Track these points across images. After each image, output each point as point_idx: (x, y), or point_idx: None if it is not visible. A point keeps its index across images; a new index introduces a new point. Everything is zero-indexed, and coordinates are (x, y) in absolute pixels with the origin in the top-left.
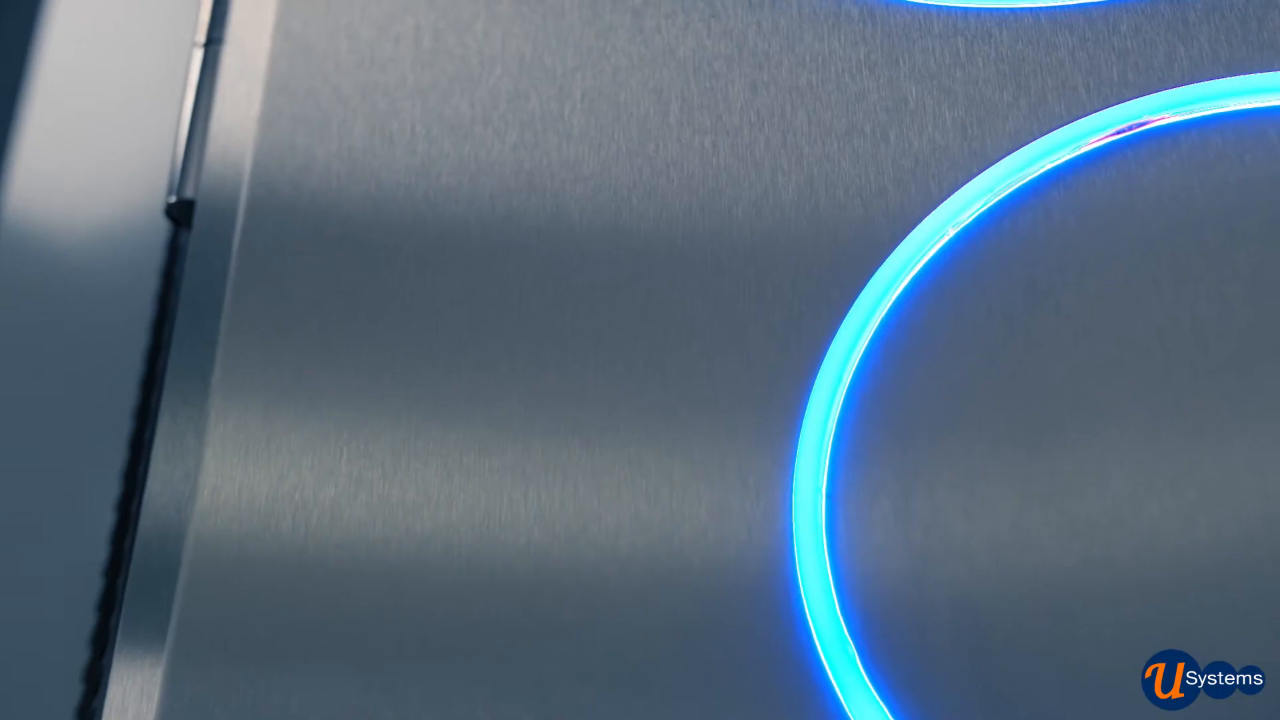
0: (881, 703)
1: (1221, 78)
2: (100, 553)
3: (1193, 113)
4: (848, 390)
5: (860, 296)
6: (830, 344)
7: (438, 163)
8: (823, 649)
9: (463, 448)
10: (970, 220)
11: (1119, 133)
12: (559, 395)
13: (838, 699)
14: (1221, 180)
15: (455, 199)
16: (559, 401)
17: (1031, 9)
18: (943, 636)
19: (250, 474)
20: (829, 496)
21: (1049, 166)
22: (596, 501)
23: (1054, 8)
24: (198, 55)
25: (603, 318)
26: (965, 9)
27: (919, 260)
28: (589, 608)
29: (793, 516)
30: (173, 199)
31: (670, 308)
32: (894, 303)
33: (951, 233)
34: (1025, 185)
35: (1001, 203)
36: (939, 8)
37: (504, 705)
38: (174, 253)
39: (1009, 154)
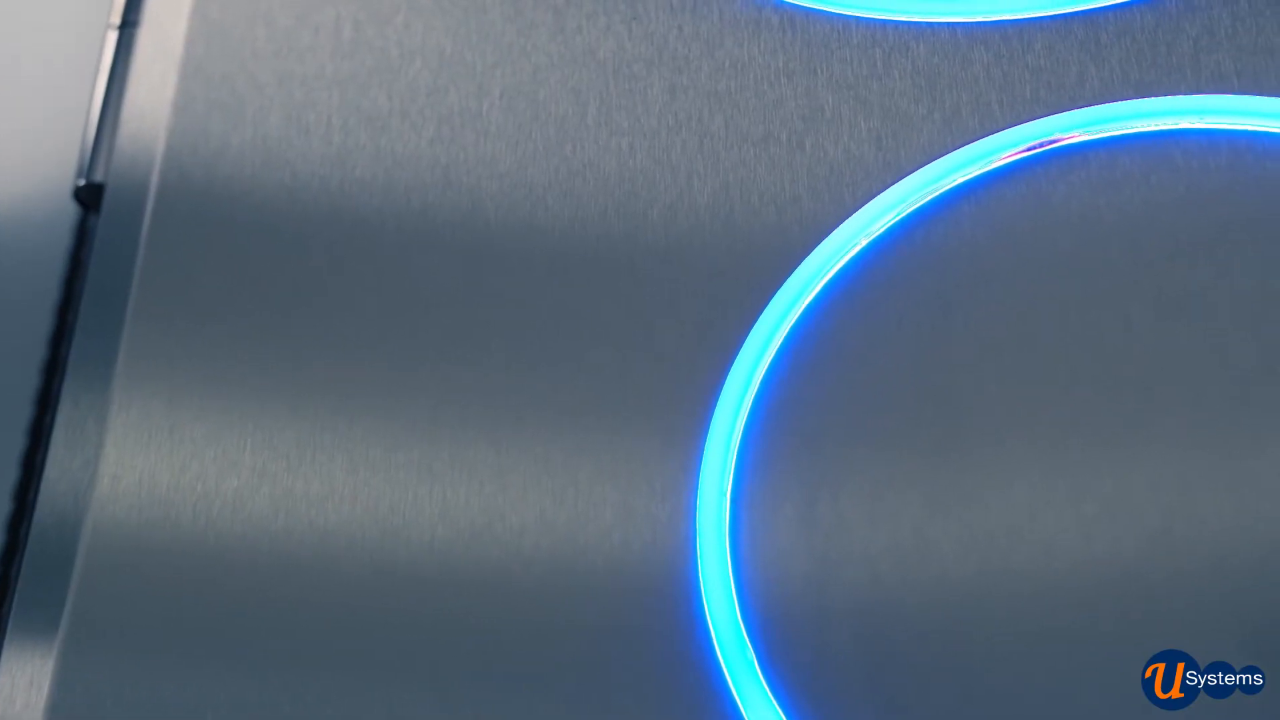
0: (779, 708)
1: (1131, 99)
2: None
3: (1102, 132)
4: (756, 396)
5: (771, 303)
6: (740, 349)
7: (354, 155)
8: (722, 653)
9: (369, 442)
10: (882, 231)
11: (1030, 149)
12: (468, 392)
13: (736, 704)
14: (1128, 200)
15: (370, 192)
16: (467, 399)
17: (948, 24)
18: (842, 643)
19: (152, 463)
20: (734, 501)
21: (961, 180)
22: (502, 500)
23: (970, 23)
24: (112, 37)
25: (515, 316)
26: (884, 21)
27: (830, 269)
28: (491, 606)
29: (697, 520)
30: (82, 182)
31: (582, 308)
32: (804, 310)
33: (863, 242)
34: (937, 198)
35: (913, 214)
36: (858, 18)
37: (402, 702)
38: (82, 237)
39: (922, 166)
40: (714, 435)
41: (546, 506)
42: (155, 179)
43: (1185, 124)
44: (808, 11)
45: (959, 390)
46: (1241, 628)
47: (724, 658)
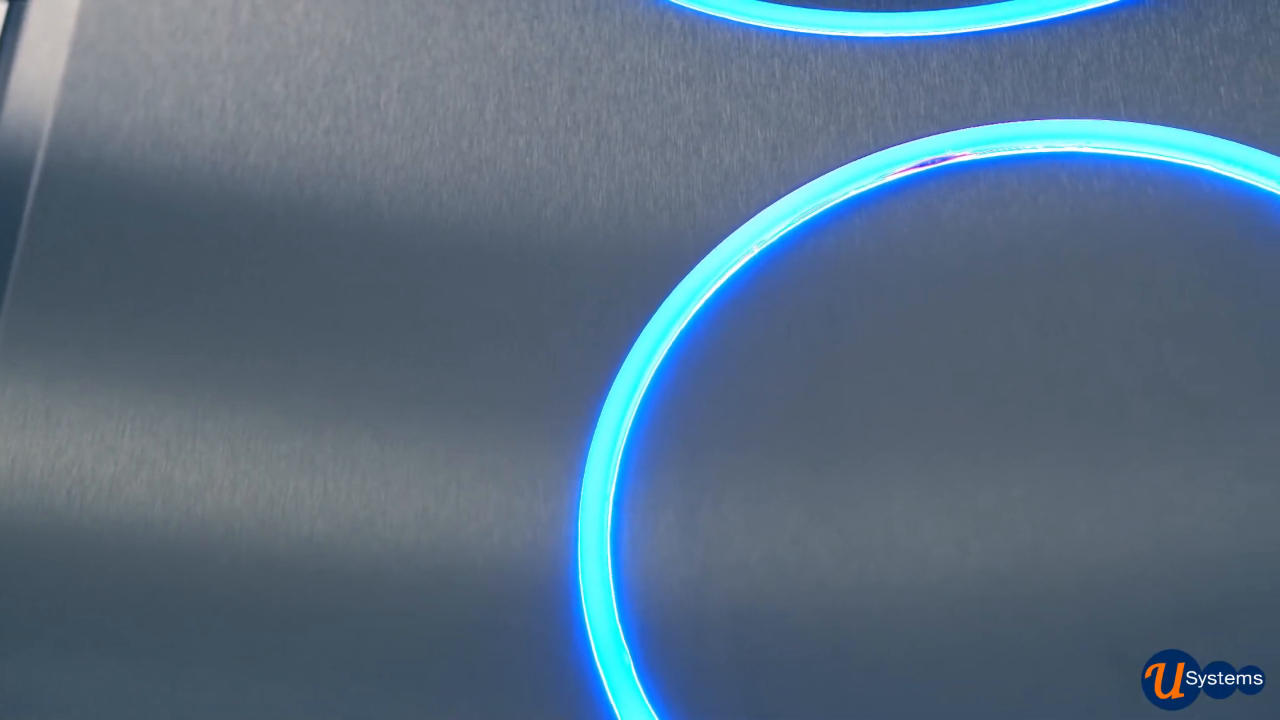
0: (653, 712)
1: (1021, 120)
2: None
3: (992, 152)
4: (642, 400)
5: (662, 307)
6: (629, 352)
7: (247, 140)
8: (599, 655)
9: (251, 432)
10: (774, 240)
11: (922, 165)
12: (353, 385)
13: (610, 706)
14: (1015, 219)
15: (262, 179)
16: (353, 392)
17: (847, 38)
18: (718, 650)
19: (27, 446)
20: (616, 504)
21: (853, 193)
22: (384, 495)
23: (868, 38)
24: (1, 9)
25: (404, 310)
26: (784, 32)
27: (722, 275)
28: (369, 600)
29: (579, 522)
30: None
31: (473, 305)
32: (694, 315)
33: (755, 250)
34: (830, 209)
35: (806, 225)
36: (759, 28)
37: (274, 692)
38: None
39: (816, 177)
40: (599, 438)
41: (428, 503)
42: (40, 157)
43: (1072, 147)
44: (709, 19)
45: (843, 401)
46: (1107, 642)
47: (600, 661)
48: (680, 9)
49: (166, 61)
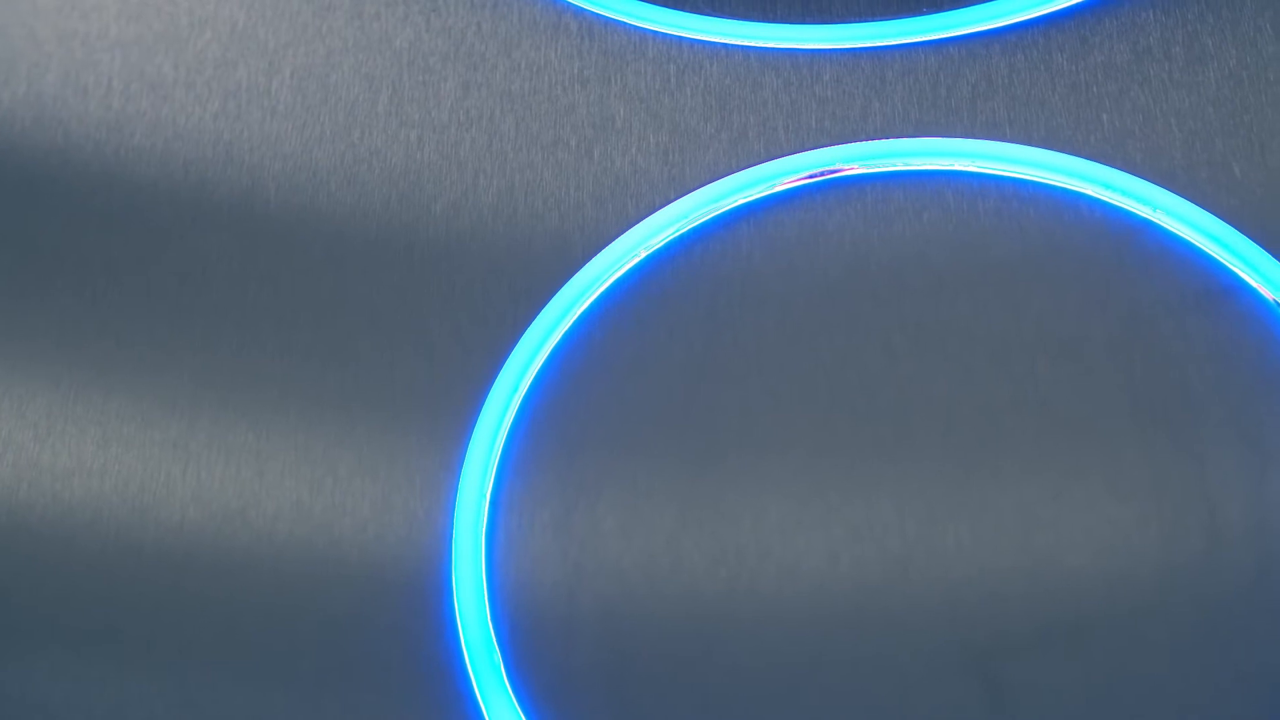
0: (521, 712)
1: (910, 137)
2: None
3: (880, 166)
4: (523, 399)
5: (547, 307)
6: (512, 351)
7: (133, 121)
8: (469, 654)
9: (124, 418)
10: (662, 244)
11: (811, 177)
12: (231, 373)
13: (479, 705)
14: (899, 234)
15: (147, 161)
16: (230, 380)
17: (743, 46)
18: (587, 652)
19: None
20: (493, 503)
21: (742, 201)
22: (258, 485)
23: (764, 48)
24: None
25: (286, 299)
26: (680, 38)
27: (608, 278)
28: (239, 591)
29: (454, 519)
30: None
31: (357, 297)
32: (579, 317)
33: (643, 254)
34: (718, 217)
35: (693, 231)
36: (656, 33)
37: (138, 681)
38: None
39: (706, 184)
40: (478, 436)
41: (303, 495)
42: None
43: (958, 166)
44: (607, 21)
45: (722, 408)
46: (970, 655)
47: (470, 659)
48: (578, 10)
49: (52, 36)
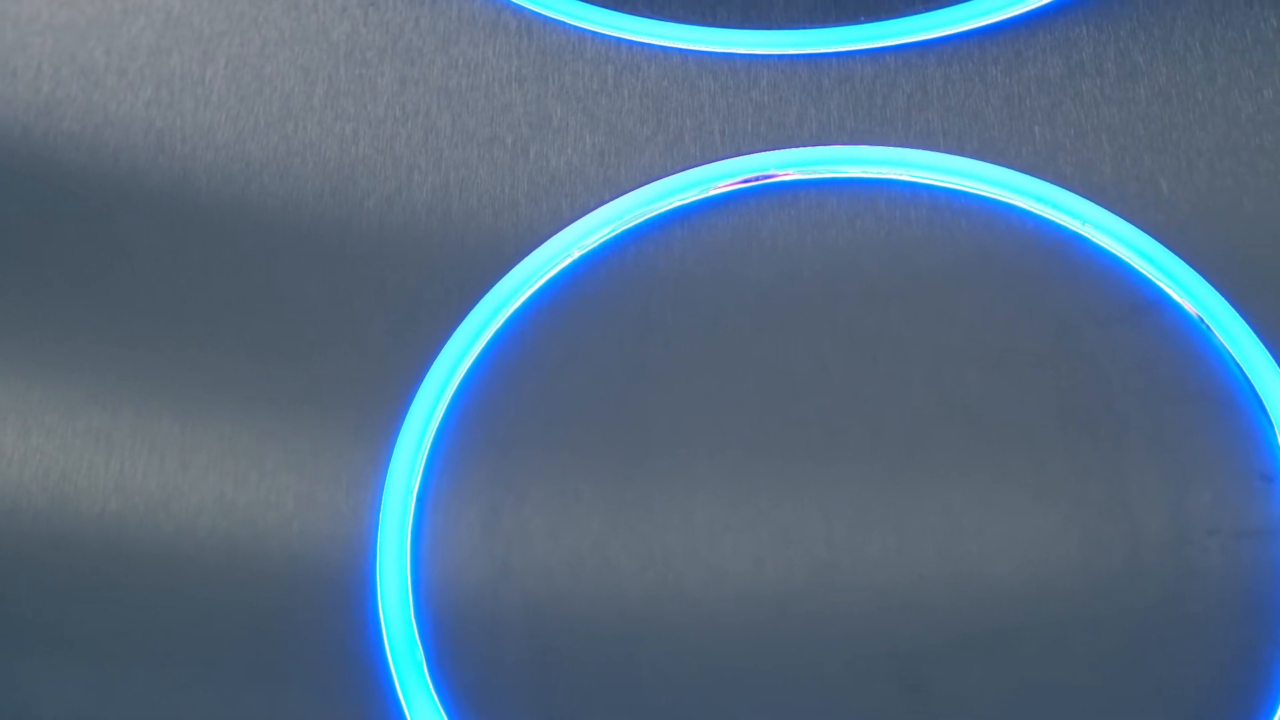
0: (443, 710)
1: (845, 144)
2: None
3: (815, 173)
4: (453, 397)
5: (479, 305)
6: (442, 348)
7: (63, 106)
8: (391, 652)
9: (46, 407)
10: (596, 245)
11: (746, 182)
12: (158, 364)
13: (400, 704)
14: (832, 241)
15: (77, 147)
16: (156, 371)
17: (681, 49)
18: (512, 651)
19: None
20: (420, 500)
21: (677, 204)
22: (182, 478)
23: (702, 52)
24: None
25: (216, 291)
26: (619, 39)
27: (541, 277)
28: (160, 584)
29: (381, 516)
30: None
31: (287, 291)
32: (511, 315)
33: (576, 254)
34: (652, 219)
35: (628, 232)
36: (594, 34)
37: (53, 672)
38: None
39: (641, 186)
40: (406, 432)
41: (227, 488)
42: None
43: (892, 175)
44: (546, 20)
45: (652, 410)
46: (893, 661)
47: (393, 657)
48: (517, 8)
49: None
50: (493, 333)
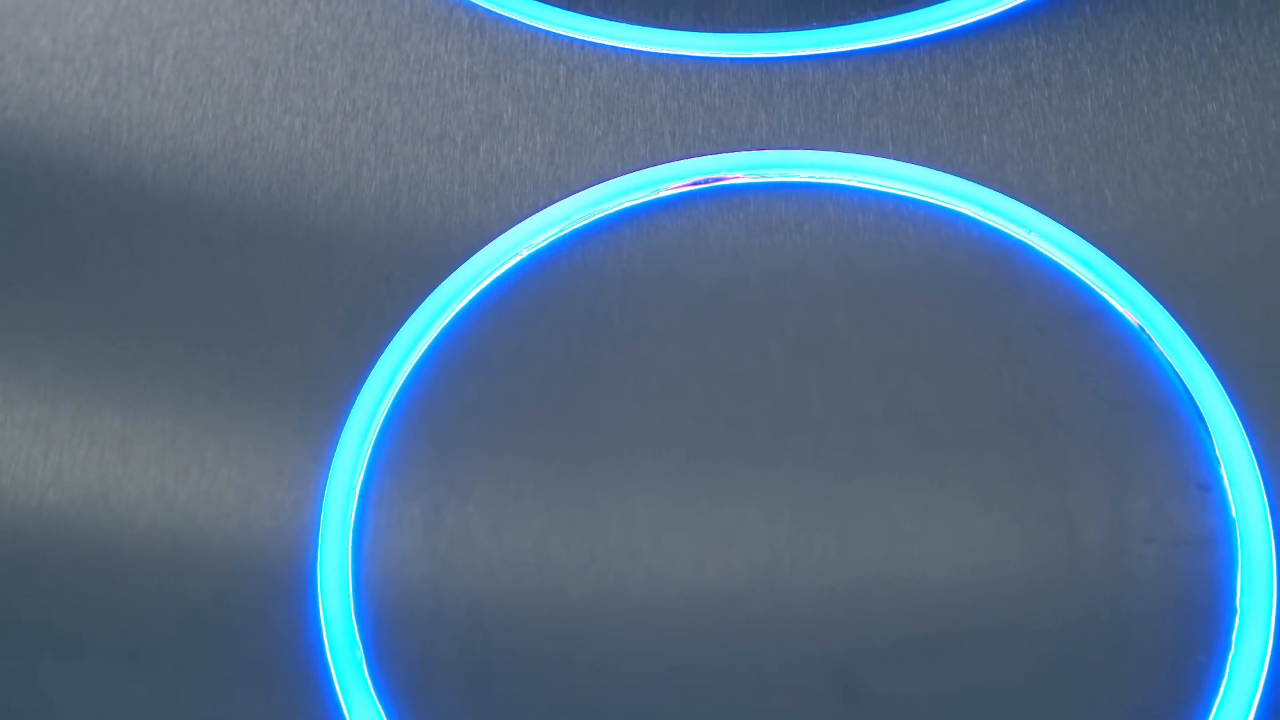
0: (380, 707)
1: (794, 149)
2: None
3: (764, 177)
4: (398, 394)
5: (425, 302)
6: (388, 345)
7: (7, 93)
8: (331, 648)
9: None
10: (544, 244)
11: (695, 184)
12: (99, 356)
13: (338, 700)
14: (780, 245)
15: (20, 135)
16: (98, 362)
17: (633, 50)
18: (451, 649)
19: None
20: (362, 497)
21: (626, 205)
22: (121, 470)
23: (654, 53)
24: None
25: (160, 283)
26: (571, 39)
27: (488, 275)
28: (97, 577)
29: (322, 512)
30: None
31: (232, 284)
32: (457, 313)
33: (524, 253)
34: (601, 219)
35: (576, 232)
36: (547, 32)
37: None
38: None
39: (591, 186)
40: (350, 429)
41: (168, 482)
42: None
43: (841, 180)
44: (499, 18)
45: (596, 410)
46: (832, 665)
47: (332, 653)
48: (470, 6)
49: None
50: (439, 330)
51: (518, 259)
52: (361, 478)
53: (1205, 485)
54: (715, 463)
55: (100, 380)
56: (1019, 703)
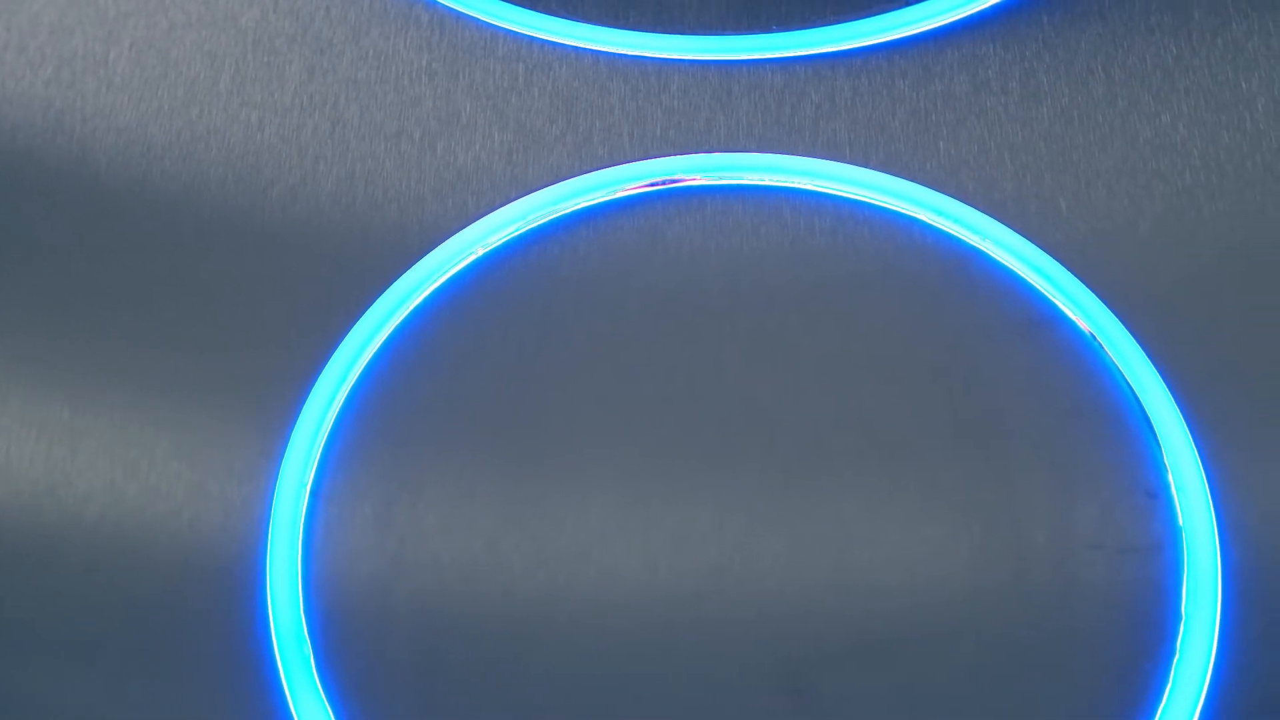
0: (328, 706)
1: (752, 151)
2: None
3: (721, 179)
4: (350, 391)
5: (379, 300)
6: (341, 341)
7: None
8: (279, 645)
9: None
10: (500, 243)
11: (652, 185)
12: (48, 348)
13: (285, 698)
14: (736, 247)
15: None
16: (47, 354)
17: (592, 51)
18: (400, 648)
19: None
20: (313, 494)
21: (583, 205)
22: (70, 464)
23: (613, 54)
24: None
25: (112, 276)
26: (531, 38)
27: (443, 273)
28: (44, 571)
29: (273, 509)
30: None
31: (186, 278)
32: (412, 311)
33: (480, 252)
34: (558, 219)
35: (532, 231)
36: (507, 31)
37: None
38: None
39: (548, 186)
40: (302, 425)
41: (117, 476)
42: None
43: (797, 184)
44: (459, 15)
45: (549, 410)
46: (781, 669)
47: (280, 650)
48: (430, 3)
49: None
50: (393, 328)
51: (473, 257)
52: (313, 475)
53: (1153, 493)
54: (668, 464)
55: (49, 372)
56: (967, 706)
